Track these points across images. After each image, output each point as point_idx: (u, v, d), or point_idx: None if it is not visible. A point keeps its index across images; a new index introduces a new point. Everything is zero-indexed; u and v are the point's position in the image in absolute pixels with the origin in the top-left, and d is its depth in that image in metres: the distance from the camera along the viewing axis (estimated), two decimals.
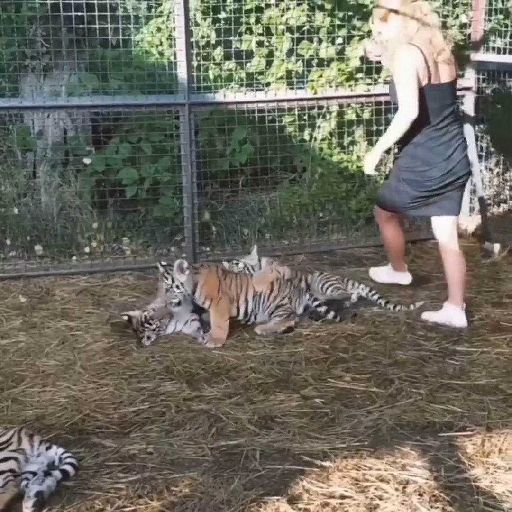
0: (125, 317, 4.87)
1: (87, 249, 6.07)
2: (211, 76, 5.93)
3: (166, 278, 4.71)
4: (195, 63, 5.88)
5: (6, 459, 3.22)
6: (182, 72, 5.74)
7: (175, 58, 5.81)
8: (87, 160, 6.03)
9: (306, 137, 6.61)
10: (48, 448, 3.40)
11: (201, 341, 4.74)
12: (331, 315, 4.95)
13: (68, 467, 3.33)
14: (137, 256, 6.13)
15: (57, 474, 3.26)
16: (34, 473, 3.23)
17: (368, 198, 6.39)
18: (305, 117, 6.38)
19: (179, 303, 4.74)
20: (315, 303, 5.05)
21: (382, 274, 5.56)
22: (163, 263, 4.82)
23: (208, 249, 6.21)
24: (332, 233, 6.50)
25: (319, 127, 6.54)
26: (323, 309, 5.00)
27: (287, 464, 3.38)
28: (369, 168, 4.81)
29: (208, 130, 6.30)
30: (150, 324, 4.80)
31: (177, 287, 4.71)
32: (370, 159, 4.78)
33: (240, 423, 3.79)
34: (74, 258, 6.06)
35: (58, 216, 6.15)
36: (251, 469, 3.36)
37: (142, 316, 4.83)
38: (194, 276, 4.76)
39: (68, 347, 4.75)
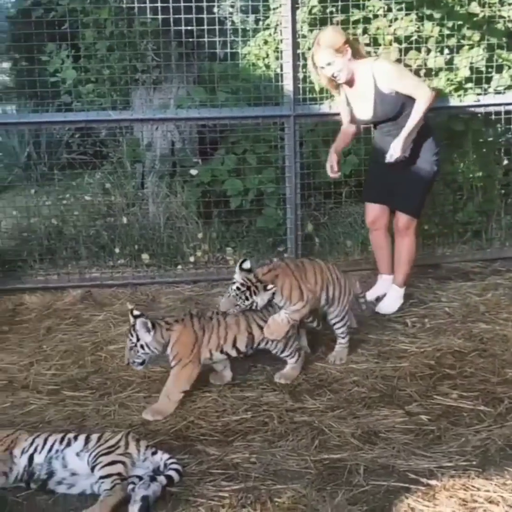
0: None
1: (192, 259, 6.18)
2: (317, 88, 5.92)
3: (132, 335, 4.08)
4: (301, 75, 5.88)
5: (113, 463, 3.30)
6: (288, 84, 5.78)
7: (281, 70, 5.85)
8: (193, 171, 6.14)
9: None
10: (154, 453, 3.46)
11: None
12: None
13: (173, 473, 3.37)
14: None
15: (162, 479, 3.31)
16: (140, 478, 3.28)
17: (477, 211, 6.22)
18: None
19: (142, 363, 4.14)
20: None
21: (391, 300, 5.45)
22: (135, 313, 4.13)
23: None
24: (438, 246, 6.35)
25: None
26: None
27: (392, 481, 3.31)
28: (396, 152, 4.88)
29: (313, 141, 6.28)
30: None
31: (141, 347, 4.09)
32: (397, 144, 4.87)
33: (343, 436, 3.74)
34: (179, 267, 6.18)
35: (165, 225, 6.29)
36: (355, 484, 3.31)
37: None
38: (166, 333, 4.11)
39: None
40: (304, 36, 6.22)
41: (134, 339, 4.07)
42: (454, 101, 6.03)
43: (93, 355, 4.83)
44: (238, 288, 4.19)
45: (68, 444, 3.44)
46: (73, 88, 6.64)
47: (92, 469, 3.30)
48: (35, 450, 3.43)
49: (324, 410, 4.03)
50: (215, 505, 3.18)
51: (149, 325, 4.04)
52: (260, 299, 4.21)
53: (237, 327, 4.26)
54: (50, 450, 3.42)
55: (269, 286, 4.20)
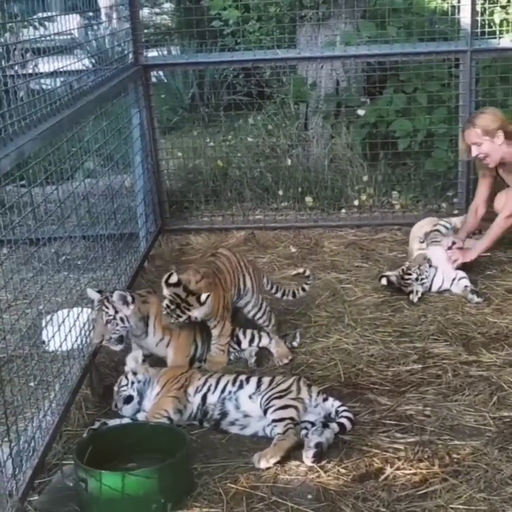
0: (384, 282, 4.75)
1: (356, 202, 6.01)
2: (497, 20, 5.49)
3: (107, 308, 3.70)
4: (479, 7, 5.47)
5: (286, 407, 3.27)
6: (465, 17, 5.39)
7: (458, 2, 5.47)
8: (361, 112, 5.92)
9: None
10: (325, 400, 3.41)
11: (472, 299, 4.50)
12: None
13: (345, 421, 3.31)
14: (406, 211, 5.95)
15: (334, 426, 3.26)
16: (312, 424, 3.25)
17: None
18: None
19: (120, 339, 3.75)
20: None
21: None
22: (96, 289, 3.85)
23: None
24: None
25: None
26: None
27: None
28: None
29: (489, 79, 5.87)
30: (410, 274, 4.64)
31: (121, 320, 3.71)
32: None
33: None
34: (343, 210, 6.03)
35: (329, 168, 6.15)
36: None
37: (400, 271, 4.69)
38: (143, 306, 3.80)
39: (338, 299, 4.74)
40: None
41: (111, 311, 3.69)
42: None
43: None
44: (167, 306, 3.72)
45: (241, 386, 3.45)
46: (238, 26, 6.53)
47: (265, 412, 3.30)
48: (208, 389, 3.47)
49: (502, 365, 3.82)
50: (390, 456, 3.09)
51: (129, 298, 3.72)
52: (198, 312, 3.74)
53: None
54: (223, 391, 3.45)
55: (203, 297, 3.72)
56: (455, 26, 5.51)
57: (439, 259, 4.78)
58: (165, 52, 7.82)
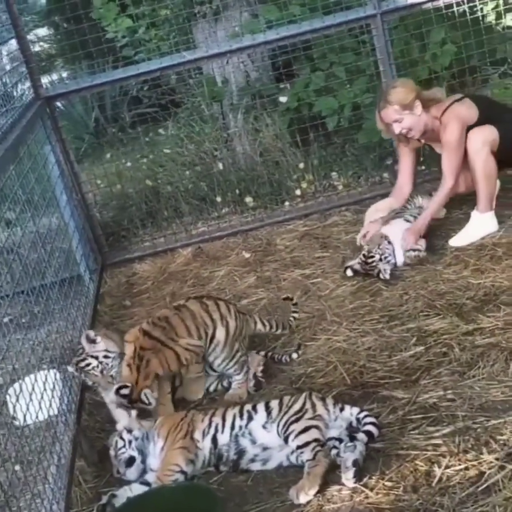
0: (350, 273, 4.55)
1: (298, 192, 5.78)
2: None
3: (86, 359, 3.52)
4: None
5: (307, 429, 3.00)
6: None
7: None
8: (283, 99, 5.65)
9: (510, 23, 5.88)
10: (341, 409, 3.15)
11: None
12: None
13: (371, 428, 3.06)
14: (350, 189, 5.75)
15: (362, 436, 3.00)
16: (340, 440, 2.99)
17: None
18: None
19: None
20: None
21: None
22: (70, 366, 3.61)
23: (424, 168, 5.69)
24: None
25: None
26: None
27: None
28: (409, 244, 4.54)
29: (402, 39, 5.70)
30: (373, 257, 4.46)
31: (105, 357, 3.51)
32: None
33: None
34: (286, 203, 5.79)
35: (262, 163, 5.88)
36: None
37: (361, 256, 4.50)
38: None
39: (312, 296, 4.50)
40: None
41: (92, 360, 3.50)
42: None
43: None
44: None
45: (250, 417, 3.16)
46: (133, 36, 6.18)
47: (285, 439, 3.02)
48: (216, 430, 3.16)
49: (505, 327, 3.63)
50: (433, 455, 2.85)
51: (92, 334, 3.53)
52: (153, 404, 3.38)
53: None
54: (232, 427, 3.14)
55: (144, 399, 3.35)
56: None
57: (396, 233, 4.61)
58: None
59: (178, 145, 6.56)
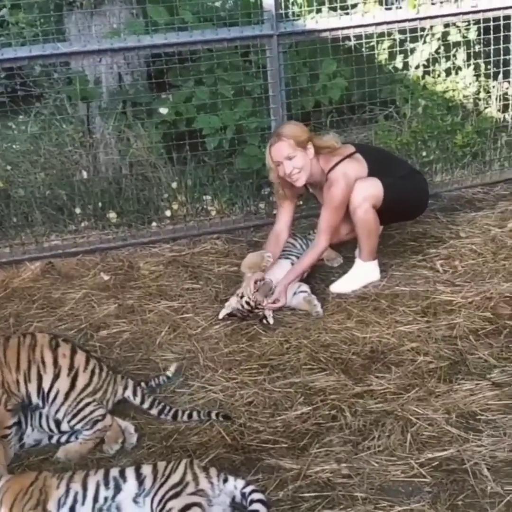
0: (227, 316, 4.15)
1: (168, 213, 5.27)
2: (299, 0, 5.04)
3: None
4: None
5: (188, 508, 2.53)
6: None
7: None
8: (163, 110, 5.14)
9: (400, 65, 5.76)
10: (225, 481, 2.71)
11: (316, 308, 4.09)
12: None
13: (259, 507, 2.65)
14: (224, 216, 5.34)
15: None
16: None
17: (477, 131, 5.60)
18: (403, 40, 5.47)
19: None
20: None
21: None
22: None
23: (301, 203, 5.39)
24: (436, 174, 5.70)
25: (413, 51, 5.68)
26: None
27: None
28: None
29: (294, 65, 5.37)
30: (260, 305, 4.10)
31: None
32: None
33: (437, 425, 3.12)
34: (154, 224, 5.26)
35: (131, 177, 5.32)
36: (490, 493, 2.68)
37: (243, 303, 4.11)
38: None
39: (182, 334, 4.07)
40: None
41: None
42: (450, 8, 5.28)
43: (84, 345, 3.93)
44: None
45: (118, 487, 2.64)
46: None
47: None
48: (75, 500, 2.62)
49: (397, 391, 3.37)
50: None
51: None
52: None
53: None
54: (95, 499, 2.62)
55: None
56: (257, 8, 4.95)
57: (278, 278, 4.26)
58: None
59: (33, 143, 5.86)
